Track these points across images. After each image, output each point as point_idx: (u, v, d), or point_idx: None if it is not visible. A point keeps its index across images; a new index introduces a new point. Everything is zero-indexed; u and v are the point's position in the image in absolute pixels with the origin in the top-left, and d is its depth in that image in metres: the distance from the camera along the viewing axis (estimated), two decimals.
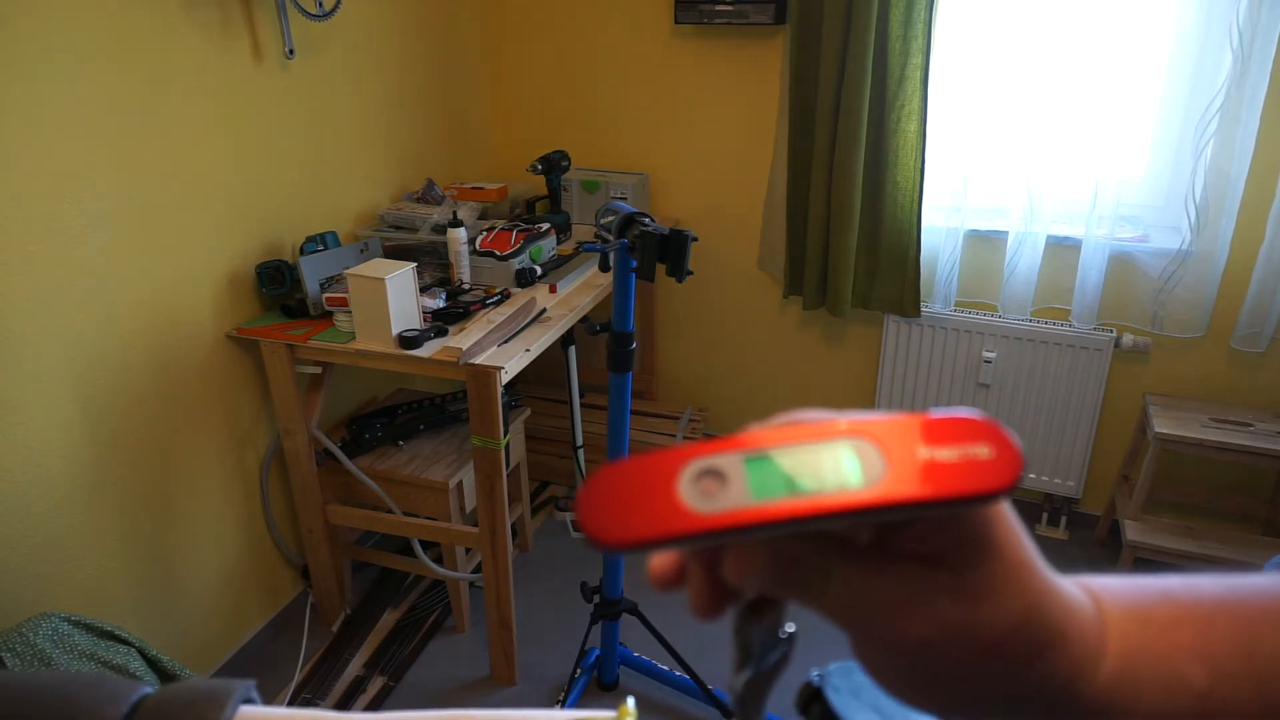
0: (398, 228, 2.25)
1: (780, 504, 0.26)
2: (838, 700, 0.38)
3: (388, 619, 2.31)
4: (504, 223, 2.24)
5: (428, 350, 1.80)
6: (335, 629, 2.25)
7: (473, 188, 2.46)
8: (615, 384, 1.68)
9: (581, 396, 2.67)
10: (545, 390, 3.01)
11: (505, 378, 1.77)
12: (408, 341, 1.80)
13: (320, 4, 2.03)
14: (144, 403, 1.76)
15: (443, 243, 2.15)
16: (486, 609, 2.03)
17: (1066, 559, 2.56)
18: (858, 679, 0.41)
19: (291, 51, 1.97)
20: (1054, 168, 2.31)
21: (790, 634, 0.34)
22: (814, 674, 0.41)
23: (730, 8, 2.41)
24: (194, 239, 1.83)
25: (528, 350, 1.83)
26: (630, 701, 0.64)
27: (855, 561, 0.29)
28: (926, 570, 0.29)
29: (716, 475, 0.27)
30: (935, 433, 0.28)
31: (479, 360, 1.76)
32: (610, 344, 1.64)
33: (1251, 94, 2.06)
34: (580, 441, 2.66)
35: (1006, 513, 0.30)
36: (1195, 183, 2.18)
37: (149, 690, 0.54)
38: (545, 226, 2.26)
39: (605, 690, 2.05)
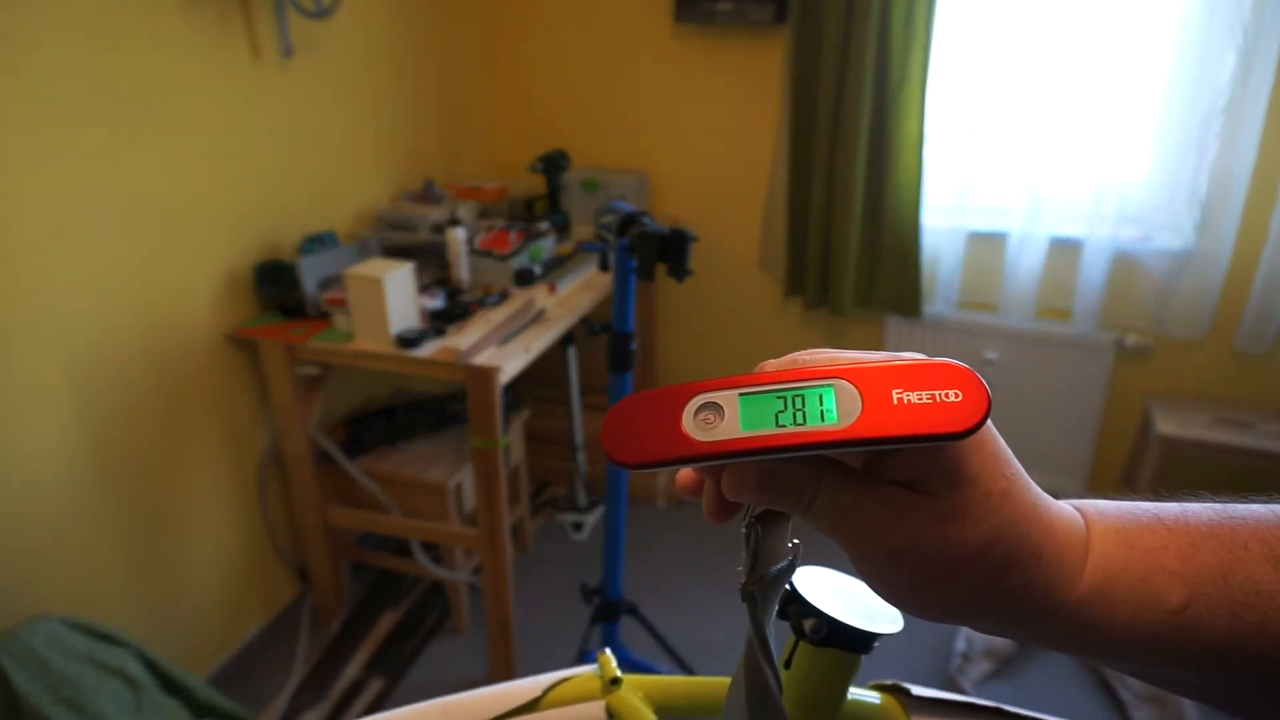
0: (397, 227, 2.24)
1: (763, 436, 0.31)
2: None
3: (386, 620, 2.30)
4: (503, 222, 2.24)
5: (426, 350, 1.79)
6: (334, 630, 2.24)
7: (472, 187, 2.45)
8: (615, 384, 1.67)
9: (581, 396, 2.66)
10: (545, 390, 3.00)
11: (504, 378, 1.76)
12: (406, 341, 1.79)
13: (319, 2, 2.02)
14: (141, 404, 1.76)
15: (442, 242, 2.14)
16: (486, 610, 2.02)
17: None
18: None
19: (290, 50, 1.96)
20: (1056, 167, 2.30)
21: (795, 545, 0.39)
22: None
23: (731, 6, 2.40)
24: (191, 239, 1.82)
25: (527, 350, 1.82)
26: (608, 650, 0.70)
27: (845, 481, 0.33)
28: (905, 493, 0.32)
29: (716, 409, 0.32)
30: (911, 377, 0.31)
31: (478, 360, 1.75)
32: (610, 344, 1.64)
33: (1256, 93, 2.05)
34: (580, 442, 2.66)
35: (990, 444, 0.33)
36: (1199, 182, 2.17)
37: None
38: (545, 226, 2.25)
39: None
